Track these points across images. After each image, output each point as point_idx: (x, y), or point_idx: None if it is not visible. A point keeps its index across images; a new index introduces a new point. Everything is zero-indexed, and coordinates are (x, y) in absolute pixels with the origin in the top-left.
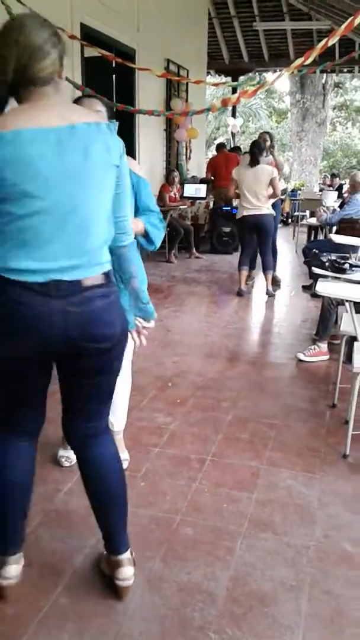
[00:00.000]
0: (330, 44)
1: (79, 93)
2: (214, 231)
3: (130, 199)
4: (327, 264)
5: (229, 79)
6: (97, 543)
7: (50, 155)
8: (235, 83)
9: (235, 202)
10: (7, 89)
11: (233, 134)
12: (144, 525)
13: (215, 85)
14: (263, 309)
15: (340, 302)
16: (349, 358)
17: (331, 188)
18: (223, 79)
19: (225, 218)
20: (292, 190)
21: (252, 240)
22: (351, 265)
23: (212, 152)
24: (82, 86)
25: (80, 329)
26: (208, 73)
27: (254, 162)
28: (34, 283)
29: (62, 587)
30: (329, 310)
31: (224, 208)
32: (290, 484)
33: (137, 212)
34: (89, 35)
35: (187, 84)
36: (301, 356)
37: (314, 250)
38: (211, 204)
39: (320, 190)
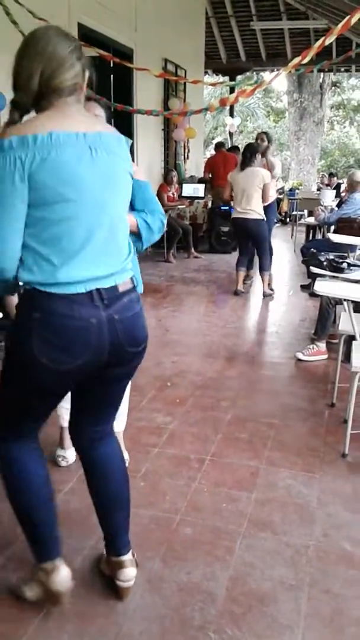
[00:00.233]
0: (327, 43)
1: None
2: (213, 231)
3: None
4: (325, 263)
5: (226, 78)
6: (97, 543)
7: (84, 158)
8: (233, 83)
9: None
10: (32, 100)
11: (231, 134)
12: (144, 525)
13: (213, 85)
14: (262, 309)
15: (339, 302)
16: (347, 357)
17: (329, 187)
18: (220, 78)
19: (224, 218)
20: (290, 190)
21: (247, 241)
22: (349, 265)
23: (210, 152)
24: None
25: (127, 336)
26: (206, 73)
27: (244, 165)
28: (78, 294)
29: None
30: (327, 309)
31: (222, 208)
32: (289, 484)
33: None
34: (87, 35)
35: (184, 83)
36: (300, 355)
37: (312, 249)
38: (209, 204)
39: (318, 189)
